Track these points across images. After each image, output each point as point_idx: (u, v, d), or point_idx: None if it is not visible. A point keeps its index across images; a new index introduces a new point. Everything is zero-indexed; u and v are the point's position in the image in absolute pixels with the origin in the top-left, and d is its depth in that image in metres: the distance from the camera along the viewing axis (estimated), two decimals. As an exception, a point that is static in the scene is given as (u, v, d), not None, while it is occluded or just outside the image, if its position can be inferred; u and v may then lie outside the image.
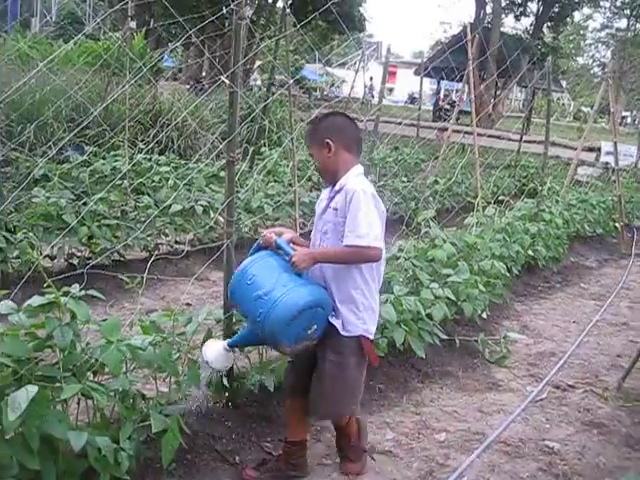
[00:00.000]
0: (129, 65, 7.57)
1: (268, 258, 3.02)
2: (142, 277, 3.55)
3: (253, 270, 2.95)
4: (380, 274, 3.11)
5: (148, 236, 6.34)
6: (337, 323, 2.99)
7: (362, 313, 3.00)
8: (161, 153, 9.36)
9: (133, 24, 10.19)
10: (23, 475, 2.49)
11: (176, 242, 6.89)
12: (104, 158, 8.02)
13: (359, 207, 2.88)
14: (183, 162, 8.66)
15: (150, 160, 8.24)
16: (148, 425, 2.91)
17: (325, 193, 3.18)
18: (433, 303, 4.75)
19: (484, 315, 5.55)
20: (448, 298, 4.90)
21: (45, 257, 5.58)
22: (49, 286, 2.81)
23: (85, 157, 7.80)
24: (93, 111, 6.91)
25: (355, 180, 3.00)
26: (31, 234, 5.27)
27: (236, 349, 3.24)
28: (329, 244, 3.02)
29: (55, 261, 5.68)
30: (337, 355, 3.01)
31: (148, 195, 7.07)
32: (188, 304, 5.50)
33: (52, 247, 5.42)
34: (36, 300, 2.80)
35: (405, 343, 4.34)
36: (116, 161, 7.80)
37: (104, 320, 3.12)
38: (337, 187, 3.03)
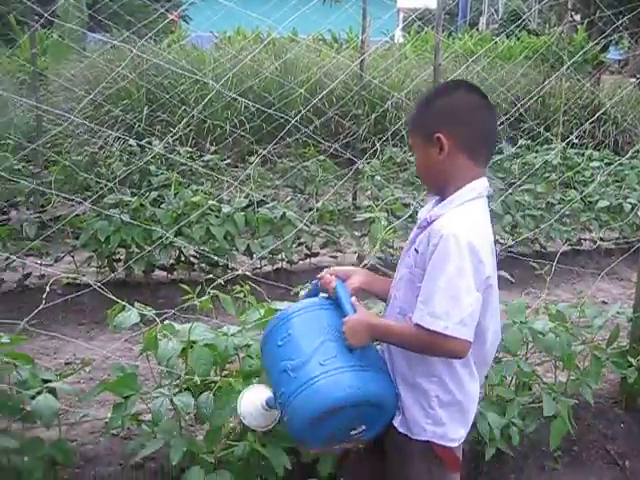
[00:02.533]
0: (568, 58, 7.56)
1: (319, 311, 2.02)
2: (551, 265, 3.62)
3: (292, 324, 1.98)
4: (485, 355, 2.00)
5: (572, 230, 6.37)
6: (397, 420, 1.98)
7: (435, 410, 1.92)
8: (595, 148, 9.17)
9: (577, 17, 10.06)
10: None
11: (600, 239, 6.72)
12: (536, 151, 8.17)
13: (444, 266, 1.80)
14: (617, 158, 8.35)
15: (582, 155, 8.15)
16: (537, 408, 3.00)
17: (425, 209, 2.06)
18: None
19: None
20: None
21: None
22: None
23: (515, 149, 8.05)
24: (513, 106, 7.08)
25: (459, 211, 1.89)
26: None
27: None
28: (399, 300, 2.00)
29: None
30: (400, 462, 2.01)
31: (575, 189, 7.05)
32: (604, 302, 5.38)
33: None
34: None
35: None
36: (547, 154, 7.89)
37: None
38: (435, 211, 1.95)
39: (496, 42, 10.75)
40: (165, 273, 5.15)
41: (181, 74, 8.27)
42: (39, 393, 2.60)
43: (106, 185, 5.07)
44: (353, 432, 1.93)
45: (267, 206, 5.34)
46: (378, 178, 6.30)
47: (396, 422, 1.97)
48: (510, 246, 5.93)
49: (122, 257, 5.04)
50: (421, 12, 8.56)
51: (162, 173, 5.92)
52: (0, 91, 6.95)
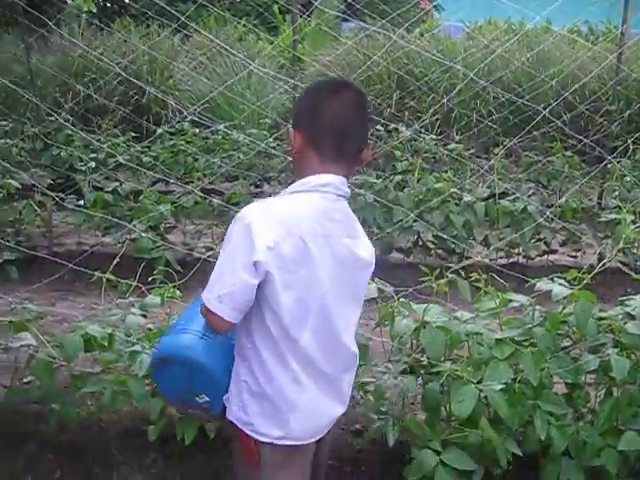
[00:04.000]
0: None
1: None
2: None
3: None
4: (308, 358, 1.87)
5: None
6: (225, 398, 1.96)
7: (242, 396, 1.89)
8: None
9: None
10: None
11: None
12: None
13: (224, 245, 1.83)
14: None
15: None
16: None
17: None
18: None
19: None
20: None
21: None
22: None
23: None
24: None
25: (275, 199, 1.95)
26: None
27: None
28: None
29: None
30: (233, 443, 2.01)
31: None
32: None
33: None
34: None
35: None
36: None
37: None
38: None
39: None
40: (402, 256, 5.27)
41: (431, 63, 8.33)
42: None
43: (353, 166, 5.29)
44: (199, 399, 1.98)
45: (508, 198, 5.25)
46: (628, 179, 5.94)
47: (225, 401, 1.96)
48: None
49: (362, 236, 5.22)
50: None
51: (407, 158, 6.04)
52: (262, 74, 7.48)
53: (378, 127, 6.75)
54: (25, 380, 3.07)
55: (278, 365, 1.84)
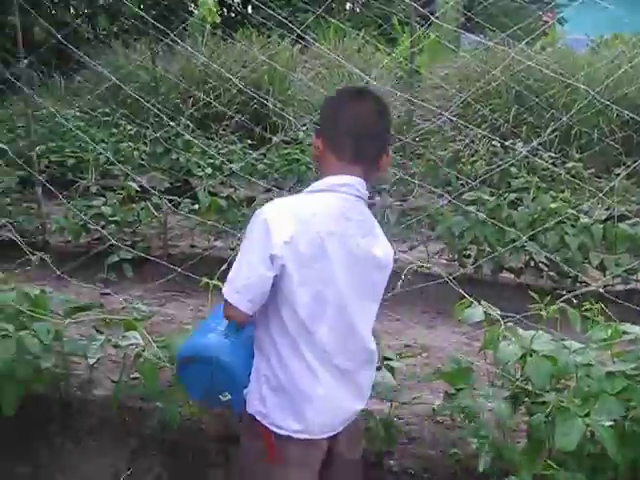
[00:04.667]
0: None
1: None
2: None
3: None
4: (324, 351, 1.92)
5: None
6: (245, 392, 2.02)
7: (262, 388, 1.96)
8: None
9: None
10: None
11: None
12: None
13: (244, 239, 1.93)
14: None
15: None
16: None
17: None
18: None
19: None
20: None
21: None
22: None
23: None
24: None
25: (296, 196, 2.02)
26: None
27: None
28: None
29: None
30: (240, 438, 2.10)
31: None
32: None
33: None
34: None
35: None
36: None
37: None
38: None
39: None
40: (512, 276, 5.13)
41: (552, 77, 8.08)
42: (379, 369, 2.80)
43: (466, 182, 5.21)
44: (222, 397, 2.03)
45: (629, 222, 5.01)
46: None
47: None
48: None
49: (472, 254, 5.13)
50: None
51: (522, 176, 5.89)
52: (379, 85, 7.49)
53: (494, 143, 6.61)
54: (132, 376, 3.20)
55: (295, 359, 1.90)
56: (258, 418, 1.96)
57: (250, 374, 2.00)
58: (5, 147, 6.43)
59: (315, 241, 1.85)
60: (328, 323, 1.91)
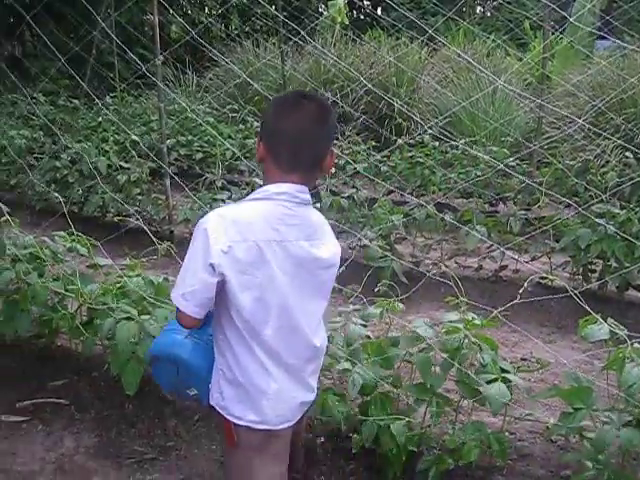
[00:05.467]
0: None
1: None
2: None
3: None
4: (271, 348, 2.02)
5: None
6: (210, 386, 2.14)
7: (220, 382, 2.09)
8: None
9: None
10: None
11: None
12: None
13: (189, 248, 1.99)
14: None
15: None
16: None
17: None
18: None
19: None
20: None
21: None
22: None
23: None
24: None
25: (236, 204, 2.12)
26: None
27: None
28: None
29: None
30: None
31: None
32: None
33: None
34: None
35: None
36: None
37: None
38: None
39: None
40: (639, 294, 4.88)
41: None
42: (495, 380, 2.74)
43: (596, 194, 5.01)
44: (189, 392, 2.17)
45: None
46: None
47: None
48: None
49: (598, 268, 4.93)
50: None
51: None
52: (507, 91, 7.33)
53: (627, 154, 6.32)
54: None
55: (247, 355, 2.02)
56: (218, 409, 2.09)
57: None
58: (138, 139, 6.78)
59: (252, 249, 1.93)
60: (273, 324, 2.00)
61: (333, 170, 6.18)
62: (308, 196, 2.04)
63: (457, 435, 2.76)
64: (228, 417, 2.07)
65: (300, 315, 2.06)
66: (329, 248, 2.11)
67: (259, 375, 2.04)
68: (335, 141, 7.54)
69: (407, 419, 2.79)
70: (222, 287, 1.96)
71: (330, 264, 2.11)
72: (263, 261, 1.95)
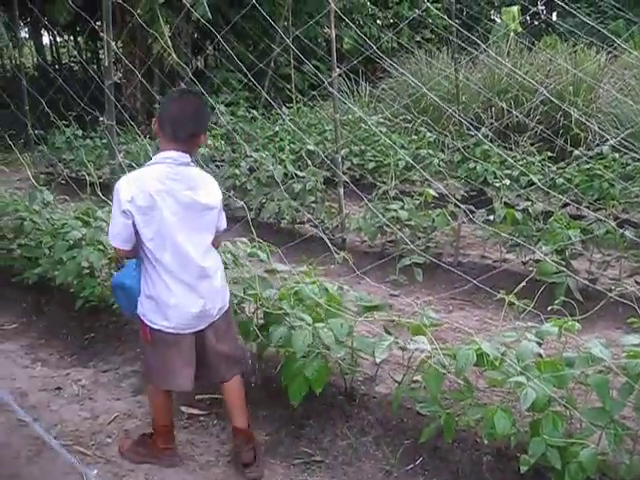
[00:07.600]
0: None
1: None
2: None
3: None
4: (172, 267, 2.90)
5: None
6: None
7: (141, 296, 3.01)
8: None
9: None
10: None
11: None
12: None
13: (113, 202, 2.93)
14: None
15: None
16: None
17: None
18: None
19: None
20: None
21: None
22: None
23: None
24: None
25: (141, 168, 2.98)
26: None
27: None
28: None
29: None
30: None
31: None
32: None
33: None
34: None
35: None
36: None
37: None
38: None
39: None
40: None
41: None
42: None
43: None
44: (135, 310, 3.06)
45: None
46: None
47: None
48: None
49: None
50: None
51: None
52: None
53: None
54: (414, 379, 3.29)
55: (156, 276, 2.90)
56: (140, 317, 2.98)
57: None
58: (314, 148, 6.99)
59: (147, 197, 2.78)
60: (169, 251, 2.86)
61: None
62: (188, 159, 2.87)
63: (636, 466, 2.61)
64: (146, 322, 2.95)
65: (188, 244, 2.87)
66: (209, 195, 2.93)
67: (164, 291, 2.89)
68: (509, 151, 7.39)
69: (593, 446, 2.64)
70: (135, 227, 2.80)
71: (212, 206, 2.94)
72: (155, 205, 2.79)
